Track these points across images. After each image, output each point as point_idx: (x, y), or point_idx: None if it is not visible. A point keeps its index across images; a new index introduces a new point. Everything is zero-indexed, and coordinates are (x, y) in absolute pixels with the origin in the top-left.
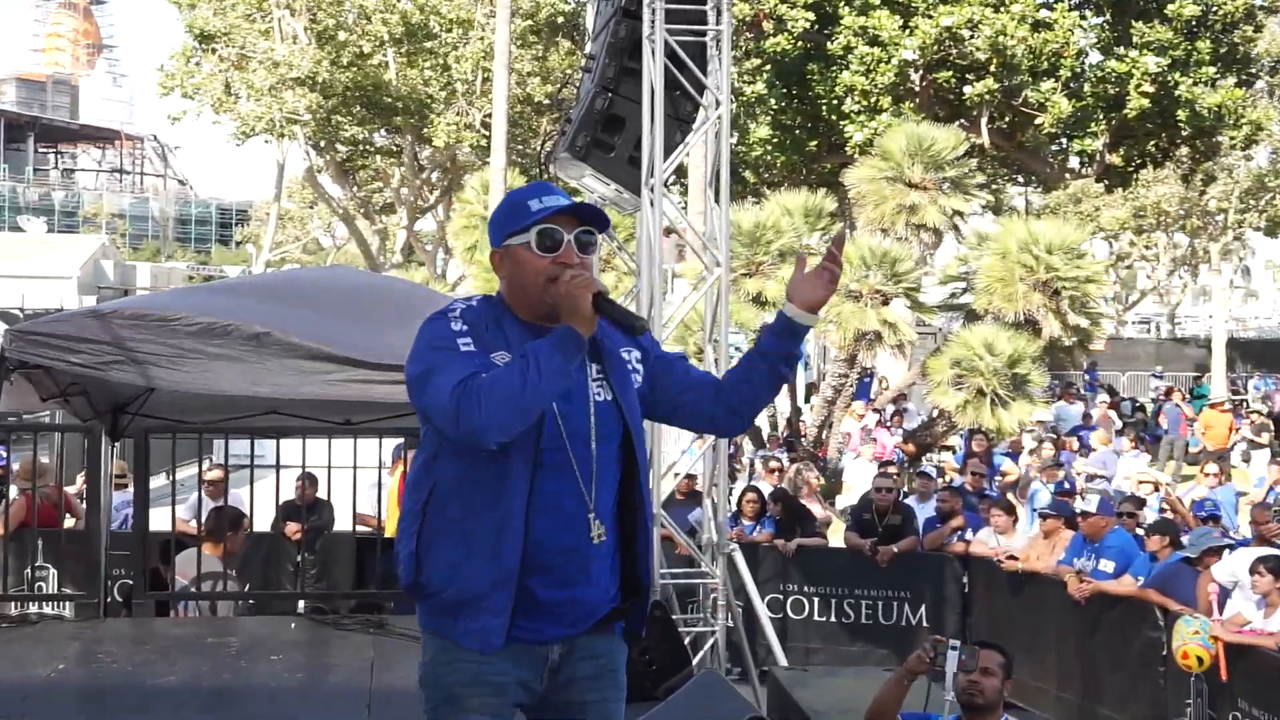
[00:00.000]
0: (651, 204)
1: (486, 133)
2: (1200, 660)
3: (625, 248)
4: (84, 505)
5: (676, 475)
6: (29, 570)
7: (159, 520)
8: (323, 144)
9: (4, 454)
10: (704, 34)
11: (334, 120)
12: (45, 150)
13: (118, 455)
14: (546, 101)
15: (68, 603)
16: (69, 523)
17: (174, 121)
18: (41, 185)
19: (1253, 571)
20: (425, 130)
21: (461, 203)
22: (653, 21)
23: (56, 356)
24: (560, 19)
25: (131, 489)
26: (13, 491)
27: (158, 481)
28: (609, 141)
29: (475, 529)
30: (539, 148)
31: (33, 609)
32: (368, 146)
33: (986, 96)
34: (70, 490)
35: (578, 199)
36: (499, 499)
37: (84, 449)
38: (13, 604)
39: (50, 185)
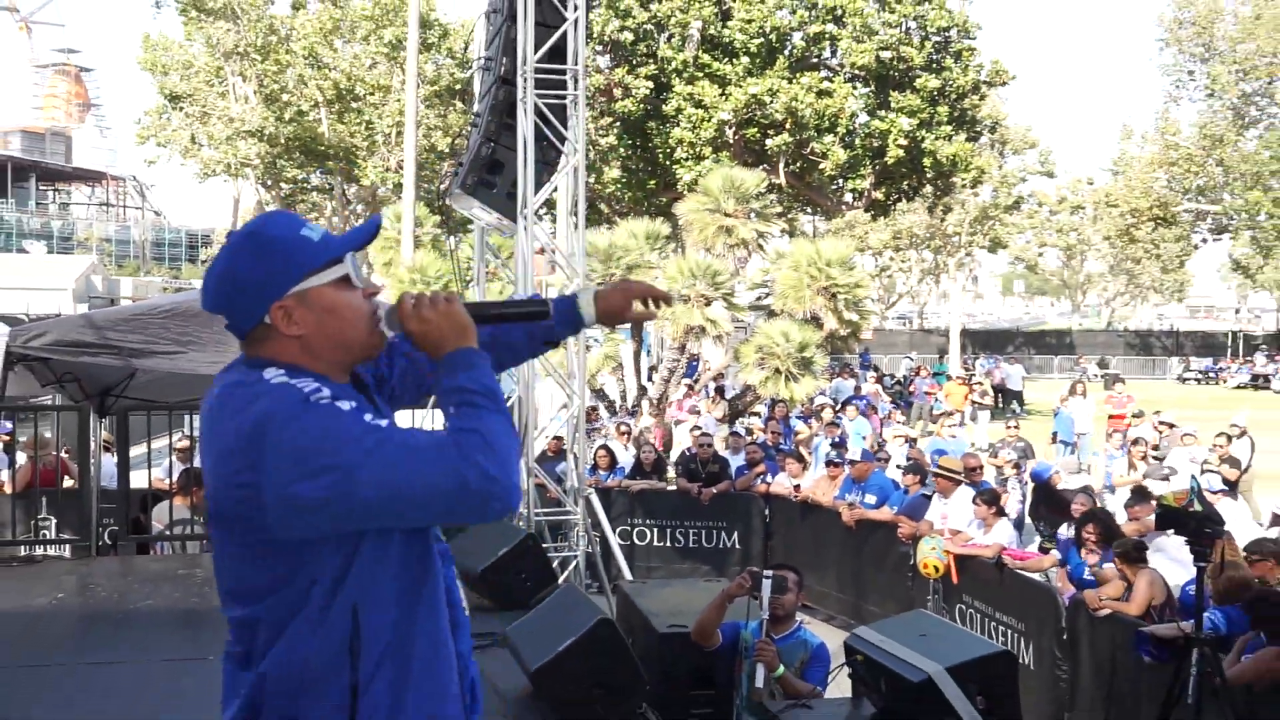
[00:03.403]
0: (525, 229)
1: (400, 174)
2: (937, 569)
3: (506, 264)
4: (77, 468)
5: (546, 436)
6: (34, 521)
7: (140, 479)
8: (269, 183)
9: (10, 425)
10: (564, 97)
11: (278, 164)
12: (45, 188)
13: (105, 429)
14: (446, 150)
15: (66, 546)
16: (66, 483)
17: (149, 165)
18: (42, 216)
19: (973, 502)
20: (355, 172)
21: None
22: (524, 87)
23: (53, 350)
24: (458, 86)
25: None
26: (21, 458)
27: (139, 449)
28: (492, 180)
29: (416, 653)
30: (439, 186)
31: (38, 551)
32: (305, 185)
33: (783, 147)
34: (66, 457)
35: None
36: (436, 607)
37: (77, 425)
38: (22, 547)
39: (49, 216)
